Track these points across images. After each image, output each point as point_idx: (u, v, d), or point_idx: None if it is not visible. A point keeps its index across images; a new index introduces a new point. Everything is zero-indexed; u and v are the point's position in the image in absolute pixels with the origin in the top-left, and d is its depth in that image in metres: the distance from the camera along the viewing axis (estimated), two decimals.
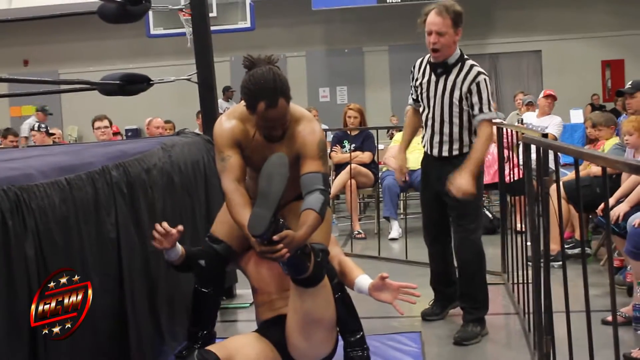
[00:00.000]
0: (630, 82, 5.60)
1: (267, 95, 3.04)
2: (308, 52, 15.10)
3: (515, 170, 5.65)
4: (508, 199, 5.47)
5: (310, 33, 14.94)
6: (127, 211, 3.30)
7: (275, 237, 2.84)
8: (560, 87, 14.22)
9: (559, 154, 4.14)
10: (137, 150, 3.76)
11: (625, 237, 4.44)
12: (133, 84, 4.46)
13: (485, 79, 3.95)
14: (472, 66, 3.98)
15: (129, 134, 13.65)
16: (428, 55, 4.09)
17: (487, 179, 6.92)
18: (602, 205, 4.72)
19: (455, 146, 4.02)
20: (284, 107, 3.09)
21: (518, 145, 5.90)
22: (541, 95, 8.17)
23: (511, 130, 5.14)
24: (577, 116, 12.28)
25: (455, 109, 3.96)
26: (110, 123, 7.46)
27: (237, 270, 4.70)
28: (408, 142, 4.44)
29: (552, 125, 7.50)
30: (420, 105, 4.19)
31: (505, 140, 5.31)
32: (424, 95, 4.09)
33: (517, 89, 13.52)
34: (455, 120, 3.98)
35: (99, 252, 3.02)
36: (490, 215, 7.05)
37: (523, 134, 3.19)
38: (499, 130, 5.26)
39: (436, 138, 4.07)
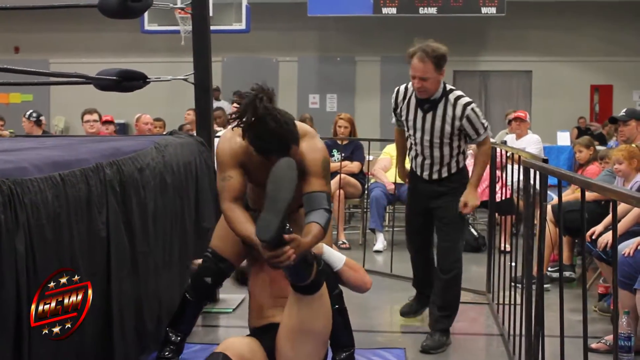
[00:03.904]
0: (624, 110, 5.61)
1: (280, 149, 3.05)
2: (300, 58, 15.08)
3: (503, 189, 5.66)
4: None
5: (304, 39, 14.92)
6: (118, 210, 3.26)
7: (286, 237, 2.84)
8: (549, 108, 14.38)
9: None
10: (131, 148, 3.73)
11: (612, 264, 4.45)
12: (129, 81, 4.42)
13: (473, 109, 4.15)
14: (457, 99, 4.15)
15: (117, 128, 13.55)
16: (410, 87, 4.25)
17: None
18: (590, 231, 4.73)
19: (445, 169, 4.25)
20: (296, 152, 3.12)
21: (505, 166, 5.92)
22: (511, 117, 8.15)
23: (501, 150, 5.15)
24: (564, 138, 12.32)
25: (446, 140, 4.17)
26: (100, 117, 7.42)
27: None
28: (404, 160, 4.71)
29: (530, 144, 7.43)
30: (403, 126, 4.37)
31: (497, 160, 5.32)
32: (411, 124, 4.27)
33: (506, 108, 13.56)
34: (446, 149, 4.20)
35: (89, 251, 2.99)
36: (475, 234, 7.04)
37: (525, 158, 3.19)
38: (492, 150, 5.27)
39: (427, 162, 4.27)
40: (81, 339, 2.81)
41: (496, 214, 5.76)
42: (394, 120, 4.49)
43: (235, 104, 3.18)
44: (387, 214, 7.56)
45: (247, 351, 3.16)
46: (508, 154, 5.06)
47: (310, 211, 3.11)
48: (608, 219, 4.79)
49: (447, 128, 4.14)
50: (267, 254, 2.88)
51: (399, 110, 4.34)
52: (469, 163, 4.54)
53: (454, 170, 4.25)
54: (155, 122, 8.79)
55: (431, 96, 4.13)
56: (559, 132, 12.44)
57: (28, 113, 7.74)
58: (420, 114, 4.20)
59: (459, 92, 4.20)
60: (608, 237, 4.52)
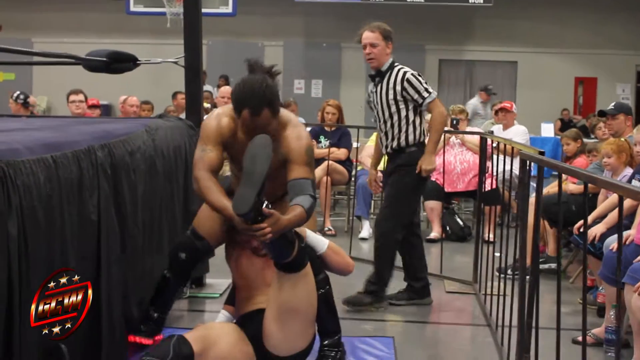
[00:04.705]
0: (613, 104, 5.62)
1: (252, 103, 3.10)
2: (286, 43, 15.00)
3: (489, 180, 5.67)
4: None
5: (290, 24, 14.85)
6: (109, 194, 3.22)
7: (265, 211, 2.86)
8: (533, 99, 14.40)
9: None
10: (122, 131, 3.69)
11: (600, 258, 4.46)
12: (119, 62, 4.36)
13: (412, 74, 4.54)
14: (399, 69, 4.56)
15: (101, 111, 13.43)
16: (371, 71, 4.65)
17: (462, 186, 6.94)
18: (578, 224, 4.74)
19: (395, 142, 4.58)
20: (267, 118, 3.13)
21: (491, 156, 5.93)
22: (497, 107, 8.15)
23: (492, 141, 5.15)
24: (547, 130, 12.35)
25: (393, 108, 4.54)
26: (86, 98, 7.33)
27: (209, 260, 4.66)
28: (377, 162, 5.06)
29: (517, 136, 7.41)
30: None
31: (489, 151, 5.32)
32: (372, 104, 4.70)
33: (491, 98, 13.59)
34: (395, 118, 4.55)
35: (79, 234, 2.95)
36: (461, 223, 7.05)
37: (522, 150, 3.18)
38: (483, 140, 5.27)
39: (384, 137, 4.64)
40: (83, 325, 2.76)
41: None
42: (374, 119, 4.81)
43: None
44: (373, 202, 7.55)
45: (217, 332, 3.20)
46: (497, 145, 5.07)
47: (293, 197, 3.14)
48: (596, 211, 4.80)
49: (390, 93, 4.52)
50: (244, 228, 2.91)
51: (371, 99, 4.72)
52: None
53: (402, 144, 4.55)
54: (143, 105, 8.70)
55: (380, 66, 4.55)
56: (543, 123, 12.46)
57: (15, 95, 7.62)
58: (373, 88, 4.64)
59: (404, 67, 4.59)
60: (596, 230, 4.53)
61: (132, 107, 8.10)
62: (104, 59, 4.26)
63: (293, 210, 3.03)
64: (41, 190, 2.66)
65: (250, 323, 3.28)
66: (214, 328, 3.29)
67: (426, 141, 4.59)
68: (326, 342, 3.44)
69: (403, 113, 4.53)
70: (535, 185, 3.03)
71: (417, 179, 4.56)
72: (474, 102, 11.60)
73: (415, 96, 4.49)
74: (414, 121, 4.55)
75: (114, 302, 3.25)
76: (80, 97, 7.19)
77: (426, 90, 4.51)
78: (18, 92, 7.72)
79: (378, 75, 4.60)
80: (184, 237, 3.64)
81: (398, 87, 4.50)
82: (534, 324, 2.90)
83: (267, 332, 3.20)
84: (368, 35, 4.54)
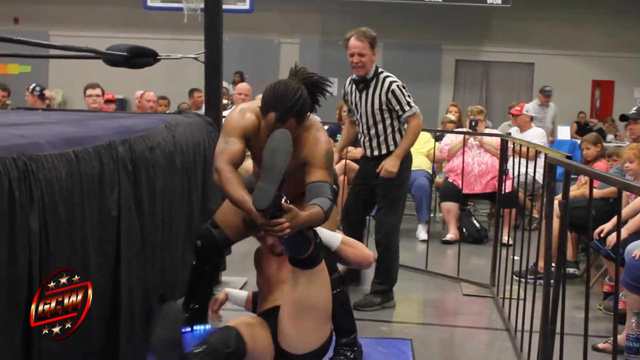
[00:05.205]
0: (635, 108, 5.55)
1: (280, 110, 3.08)
2: (302, 40, 14.96)
3: (508, 182, 5.61)
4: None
5: (307, 21, 14.80)
6: (129, 189, 3.19)
7: (284, 206, 2.85)
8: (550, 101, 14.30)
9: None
10: (142, 127, 3.66)
11: (621, 264, 4.41)
12: (139, 57, 4.34)
13: (397, 85, 4.65)
14: (384, 78, 4.66)
15: (117, 105, 13.45)
16: (353, 75, 4.77)
17: (479, 188, 6.89)
18: (599, 229, 4.69)
19: (384, 146, 4.71)
20: (291, 127, 3.11)
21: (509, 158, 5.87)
22: (512, 111, 8.05)
23: (514, 144, 5.09)
24: (564, 132, 12.26)
25: (378, 117, 4.66)
26: (103, 92, 7.32)
27: (225, 257, 4.65)
28: (342, 147, 5.30)
29: (535, 138, 7.33)
30: (353, 116, 4.89)
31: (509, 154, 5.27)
32: (354, 107, 4.79)
33: (507, 99, 13.49)
34: (380, 126, 4.68)
35: (99, 230, 2.92)
36: (477, 225, 7.00)
37: (547, 154, 3.13)
38: (504, 142, 5.23)
39: (367, 140, 4.76)
40: (88, 324, 2.74)
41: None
42: (348, 112, 4.96)
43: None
44: None
45: (257, 329, 3.17)
46: (515, 147, 5.03)
47: (311, 199, 3.12)
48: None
49: (376, 103, 4.64)
50: (262, 223, 2.90)
51: (347, 97, 4.87)
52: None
53: (391, 148, 4.69)
54: (160, 100, 8.68)
55: (366, 74, 4.65)
56: (559, 126, 12.37)
57: (31, 87, 7.62)
58: (358, 95, 4.72)
59: (388, 73, 4.70)
60: None
61: (149, 102, 8.08)
62: (125, 53, 4.24)
63: (311, 208, 3.02)
64: (62, 185, 2.63)
65: (268, 320, 3.27)
66: (254, 326, 3.23)
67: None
68: (342, 341, 3.42)
69: (388, 122, 4.68)
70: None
71: (404, 181, 4.82)
72: (532, 106, 11.24)
73: (397, 107, 4.64)
74: (399, 129, 4.71)
75: (135, 297, 3.23)
76: (98, 91, 7.17)
77: (408, 103, 4.65)
78: (34, 85, 7.71)
79: (362, 82, 4.69)
80: (202, 226, 3.72)
81: (383, 98, 4.63)
82: (557, 331, 2.86)
83: (282, 330, 3.18)
84: (356, 45, 4.62)
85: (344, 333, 3.42)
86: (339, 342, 3.41)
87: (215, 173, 3.22)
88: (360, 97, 4.71)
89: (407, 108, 4.65)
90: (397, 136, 4.72)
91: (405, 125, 4.72)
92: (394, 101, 4.63)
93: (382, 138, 4.70)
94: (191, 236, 4.09)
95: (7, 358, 2.27)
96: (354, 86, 4.78)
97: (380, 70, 4.72)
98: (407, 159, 4.76)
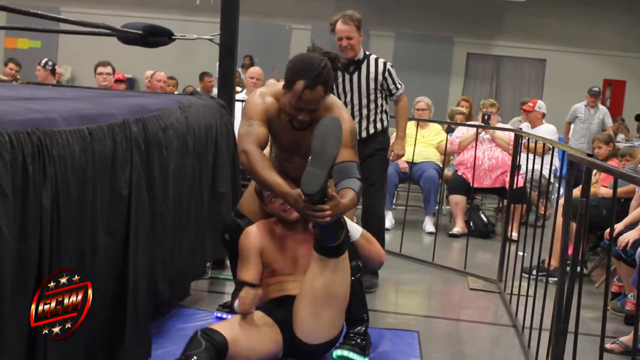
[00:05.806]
0: None
1: (309, 77, 3.06)
2: (314, 27, 14.88)
3: (517, 178, 5.55)
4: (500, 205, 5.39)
5: (319, 7, 14.72)
6: (141, 170, 3.15)
7: (329, 193, 2.85)
8: (560, 99, 14.21)
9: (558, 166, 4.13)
10: (156, 106, 3.62)
11: (631, 265, 4.38)
12: (155, 36, 4.30)
13: (391, 65, 4.85)
14: (376, 59, 4.80)
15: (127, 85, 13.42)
16: None
17: (488, 182, 6.86)
18: (609, 229, 4.64)
19: (372, 127, 4.81)
20: (320, 95, 3.10)
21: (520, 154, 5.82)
22: (524, 107, 8.01)
23: (529, 139, 5.05)
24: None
25: (372, 96, 4.77)
26: (114, 70, 7.28)
27: None
28: None
29: (546, 134, 7.25)
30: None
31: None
32: (341, 90, 4.79)
33: (517, 94, 13.45)
34: (372, 106, 4.79)
35: (110, 209, 2.88)
36: (485, 219, 6.96)
37: (571, 152, 3.09)
38: (517, 138, 5.19)
39: (357, 123, 4.73)
40: (92, 310, 2.71)
41: (504, 202, 5.68)
42: None
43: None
44: (396, 192, 7.47)
45: (244, 323, 3.16)
46: (525, 143, 4.98)
47: (341, 180, 3.08)
48: (629, 217, 4.71)
49: (372, 84, 4.75)
50: (302, 207, 2.88)
51: (339, 85, 4.82)
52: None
53: (379, 128, 4.82)
54: (169, 80, 8.64)
55: (355, 57, 4.73)
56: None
57: (43, 62, 7.58)
58: (347, 77, 4.75)
59: (376, 55, 4.85)
60: (629, 236, 4.44)
61: (159, 82, 8.03)
62: (140, 31, 4.20)
63: (347, 194, 3.00)
64: (76, 162, 2.60)
65: (279, 309, 3.24)
66: (240, 317, 3.22)
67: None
68: (355, 329, 3.39)
69: (379, 101, 4.82)
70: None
71: (388, 165, 5.06)
72: (578, 106, 11.06)
73: (392, 87, 4.82)
74: (386, 109, 4.90)
75: (140, 279, 3.19)
76: (109, 69, 7.13)
77: (399, 82, 4.87)
78: (47, 59, 7.68)
79: (353, 64, 4.76)
80: (227, 219, 3.72)
81: (380, 77, 4.77)
82: (569, 330, 2.83)
83: (300, 319, 3.16)
84: (344, 29, 4.71)
85: (357, 322, 3.40)
86: (352, 331, 3.39)
87: (242, 155, 3.18)
88: (351, 79, 4.77)
89: (399, 86, 4.85)
90: (384, 116, 4.87)
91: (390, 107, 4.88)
92: (389, 80, 4.79)
93: (372, 118, 4.80)
94: (200, 219, 4.06)
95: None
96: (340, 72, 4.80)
97: (367, 52, 4.85)
98: (387, 142, 4.92)
